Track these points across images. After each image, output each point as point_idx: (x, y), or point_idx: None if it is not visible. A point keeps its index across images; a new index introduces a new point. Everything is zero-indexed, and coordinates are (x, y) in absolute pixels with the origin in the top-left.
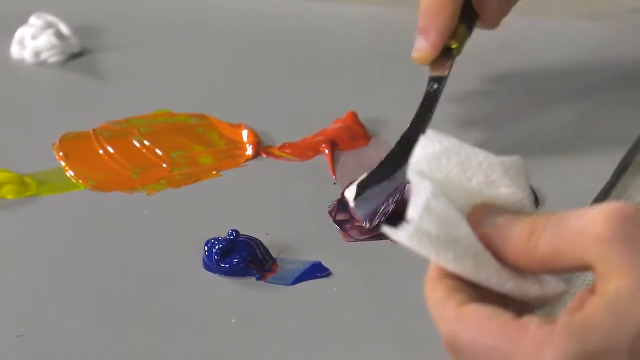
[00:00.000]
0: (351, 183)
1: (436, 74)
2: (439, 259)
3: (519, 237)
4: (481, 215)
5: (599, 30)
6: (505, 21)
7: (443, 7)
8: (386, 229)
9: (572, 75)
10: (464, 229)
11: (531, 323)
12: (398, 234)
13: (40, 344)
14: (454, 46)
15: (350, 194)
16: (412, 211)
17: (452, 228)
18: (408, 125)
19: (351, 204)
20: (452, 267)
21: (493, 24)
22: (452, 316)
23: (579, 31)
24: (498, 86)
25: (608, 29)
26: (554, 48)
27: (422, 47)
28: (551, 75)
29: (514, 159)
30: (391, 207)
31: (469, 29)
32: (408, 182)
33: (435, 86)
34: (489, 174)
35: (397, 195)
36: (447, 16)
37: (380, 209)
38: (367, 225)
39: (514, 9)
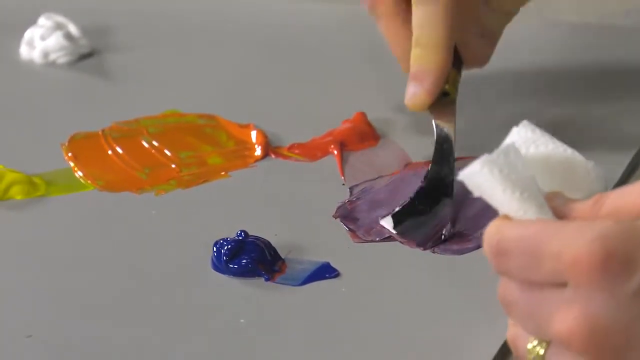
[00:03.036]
0: (383, 216)
1: (442, 123)
2: (505, 196)
3: (584, 205)
4: (554, 194)
5: (607, 31)
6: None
7: (438, 52)
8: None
9: (580, 77)
10: (535, 184)
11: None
12: (468, 168)
13: (49, 344)
14: (449, 90)
15: (387, 224)
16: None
17: (523, 175)
18: (430, 166)
19: (393, 232)
20: (515, 206)
21: (481, 63)
22: (497, 225)
23: (586, 32)
24: (499, 88)
25: (615, 30)
26: (561, 49)
27: (417, 93)
28: (557, 76)
29: (593, 165)
30: (443, 234)
31: (459, 72)
32: (448, 218)
33: (446, 130)
34: (571, 170)
35: (446, 227)
36: (443, 59)
37: (432, 234)
38: (423, 247)
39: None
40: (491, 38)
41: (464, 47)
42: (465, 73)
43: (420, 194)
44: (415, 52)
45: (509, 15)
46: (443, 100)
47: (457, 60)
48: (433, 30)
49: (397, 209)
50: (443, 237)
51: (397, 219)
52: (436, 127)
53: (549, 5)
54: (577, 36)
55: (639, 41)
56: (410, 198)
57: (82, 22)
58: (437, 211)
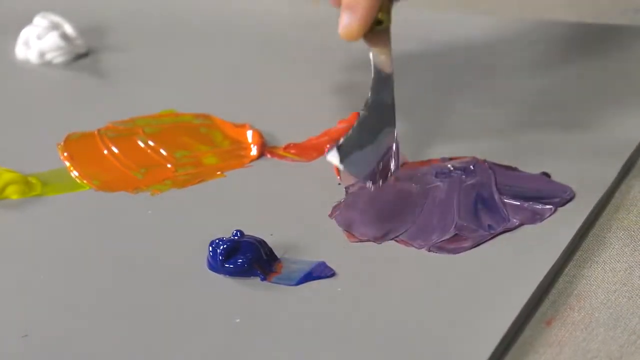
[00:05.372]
0: (330, 148)
1: (378, 51)
2: None
3: None
4: None
5: (602, 31)
6: (507, 21)
7: None
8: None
9: (575, 77)
10: None
11: None
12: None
13: (45, 344)
14: (382, 17)
15: (334, 157)
16: None
17: None
18: (369, 94)
19: (340, 166)
20: None
21: None
22: None
23: (582, 33)
24: (500, 88)
25: (611, 30)
26: (556, 49)
27: (351, 23)
28: (554, 76)
29: None
30: (389, 167)
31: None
32: (393, 149)
33: (383, 58)
34: None
35: (389, 155)
36: None
37: (378, 169)
38: (371, 186)
39: (517, 9)
40: None
41: None
42: (455, 72)
43: (362, 124)
44: None
45: None
46: (377, 29)
47: None
48: None
49: (341, 141)
50: (390, 174)
51: (343, 152)
52: (373, 56)
53: (545, 5)
54: (569, 36)
55: (634, 41)
56: (353, 128)
57: (78, 22)
58: (381, 141)
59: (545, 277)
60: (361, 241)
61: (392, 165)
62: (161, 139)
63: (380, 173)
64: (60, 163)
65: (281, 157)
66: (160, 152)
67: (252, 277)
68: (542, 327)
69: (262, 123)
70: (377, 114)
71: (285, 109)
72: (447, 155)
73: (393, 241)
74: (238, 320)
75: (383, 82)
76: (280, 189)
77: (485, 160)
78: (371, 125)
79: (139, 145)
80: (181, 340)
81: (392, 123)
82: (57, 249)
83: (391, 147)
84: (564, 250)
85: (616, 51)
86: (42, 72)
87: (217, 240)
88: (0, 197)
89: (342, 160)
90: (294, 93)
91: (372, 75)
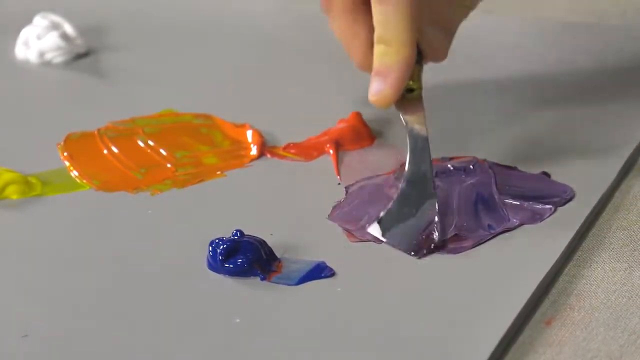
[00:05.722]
0: (371, 222)
1: (413, 121)
2: None
3: None
4: None
5: (602, 31)
6: (507, 21)
7: (403, 48)
8: None
9: (575, 77)
10: None
11: None
12: None
13: (45, 344)
14: (413, 85)
15: (375, 231)
16: None
17: None
18: (407, 165)
19: (382, 239)
20: None
21: (441, 57)
22: None
23: (582, 32)
24: (499, 88)
25: (611, 30)
26: (555, 49)
27: (382, 89)
28: (553, 76)
29: None
30: (433, 237)
31: (421, 67)
32: (435, 220)
33: (417, 128)
34: None
35: (431, 227)
36: (408, 55)
37: (422, 240)
38: (418, 257)
39: (518, 8)
40: (449, 32)
41: (425, 42)
42: (454, 72)
43: (402, 197)
44: (379, 49)
45: (467, 9)
46: (408, 96)
47: (418, 55)
48: (397, 25)
49: (381, 215)
50: (433, 245)
51: (384, 226)
52: (407, 126)
53: (545, 4)
54: (569, 35)
55: (634, 41)
56: (393, 202)
57: (77, 21)
58: (423, 213)
59: (545, 276)
60: (361, 241)
61: (435, 236)
62: (161, 139)
63: (423, 243)
64: (60, 163)
65: (281, 156)
66: (160, 152)
67: (252, 277)
68: (542, 327)
69: (262, 123)
70: (417, 186)
71: (285, 109)
72: (447, 155)
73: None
74: (238, 320)
75: (420, 150)
76: (280, 189)
77: (485, 160)
78: (411, 197)
79: (139, 145)
80: (181, 340)
81: (432, 194)
82: (57, 249)
83: (433, 220)
84: (564, 250)
85: (616, 51)
86: (42, 72)
87: (217, 240)
88: (0, 197)
89: (384, 234)
90: (294, 93)
91: (408, 144)
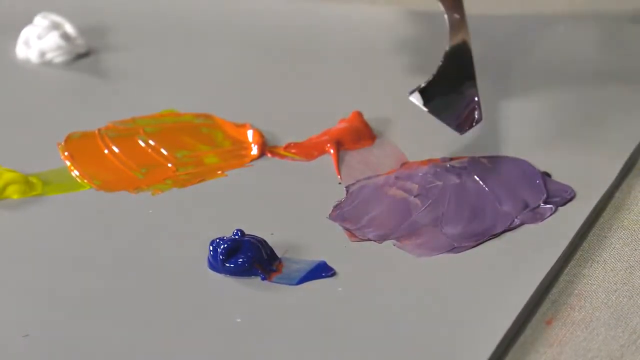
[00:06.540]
0: (413, 90)
1: (451, 9)
2: None
3: None
4: None
5: (602, 32)
6: (507, 21)
7: None
8: None
9: (576, 76)
10: None
11: None
12: None
13: (46, 344)
14: None
15: (417, 100)
16: None
17: None
18: (448, 46)
19: (424, 108)
20: None
21: None
22: None
23: (583, 31)
24: (499, 88)
25: (611, 29)
26: (556, 48)
27: None
28: (554, 75)
29: None
30: (474, 116)
31: None
32: (476, 99)
33: (457, 15)
34: None
35: (472, 105)
36: None
37: (465, 115)
38: (460, 131)
39: (517, 7)
40: None
41: None
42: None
43: (443, 72)
44: None
45: None
46: None
47: None
48: None
49: (423, 85)
50: (475, 123)
51: (427, 96)
52: (447, 13)
53: (545, 4)
54: (570, 34)
55: (634, 41)
56: (433, 75)
57: (78, 21)
58: (465, 90)
59: (546, 276)
60: (361, 241)
61: (477, 115)
62: (162, 139)
63: (466, 120)
64: (61, 163)
65: (282, 156)
66: (161, 151)
67: (252, 276)
68: (542, 327)
69: (262, 122)
70: (457, 63)
71: (286, 108)
72: (447, 155)
73: (393, 241)
74: (239, 320)
75: (456, 28)
76: (281, 189)
77: (485, 160)
78: (451, 74)
79: (139, 144)
80: (181, 340)
81: (471, 75)
82: (57, 249)
83: (473, 98)
84: (564, 250)
85: (616, 51)
86: (42, 72)
87: (217, 240)
88: (0, 197)
89: (426, 104)
90: (295, 92)
91: (447, 20)
